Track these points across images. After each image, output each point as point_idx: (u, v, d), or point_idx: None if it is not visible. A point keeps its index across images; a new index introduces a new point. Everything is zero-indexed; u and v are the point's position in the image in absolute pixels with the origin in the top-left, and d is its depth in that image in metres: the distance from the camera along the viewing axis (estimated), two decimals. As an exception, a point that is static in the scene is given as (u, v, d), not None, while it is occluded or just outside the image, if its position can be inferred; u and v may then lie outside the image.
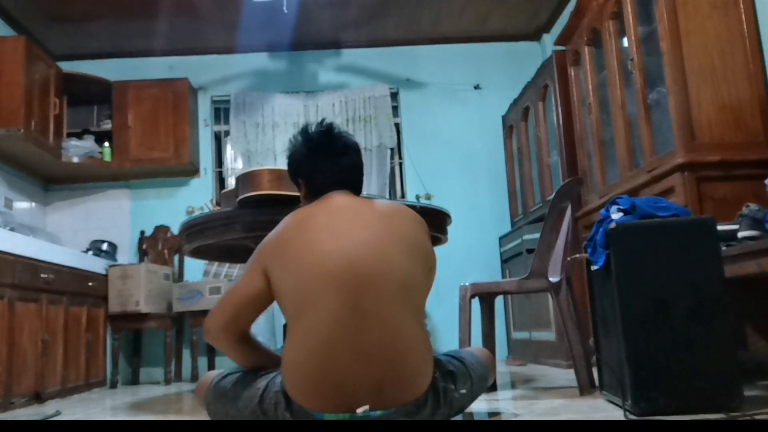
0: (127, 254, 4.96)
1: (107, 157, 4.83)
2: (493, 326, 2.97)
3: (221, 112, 5.34)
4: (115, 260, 4.77)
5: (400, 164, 5.31)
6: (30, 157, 4.42)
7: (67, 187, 5.04)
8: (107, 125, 4.92)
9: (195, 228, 2.78)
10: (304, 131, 1.71)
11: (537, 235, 2.92)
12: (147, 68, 5.15)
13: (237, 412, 1.61)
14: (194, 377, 4.49)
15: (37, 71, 4.24)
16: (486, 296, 2.87)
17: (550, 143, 4.27)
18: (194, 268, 4.85)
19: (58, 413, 2.87)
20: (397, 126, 5.30)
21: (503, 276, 4.78)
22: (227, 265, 4.82)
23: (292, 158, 1.72)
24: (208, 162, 5.21)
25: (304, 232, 1.52)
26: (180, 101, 4.92)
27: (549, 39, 5.08)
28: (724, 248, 2.02)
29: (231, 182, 5.12)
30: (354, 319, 1.42)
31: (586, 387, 2.46)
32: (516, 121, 4.90)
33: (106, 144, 4.85)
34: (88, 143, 4.75)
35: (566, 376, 3.16)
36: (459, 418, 1.79)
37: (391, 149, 5.20)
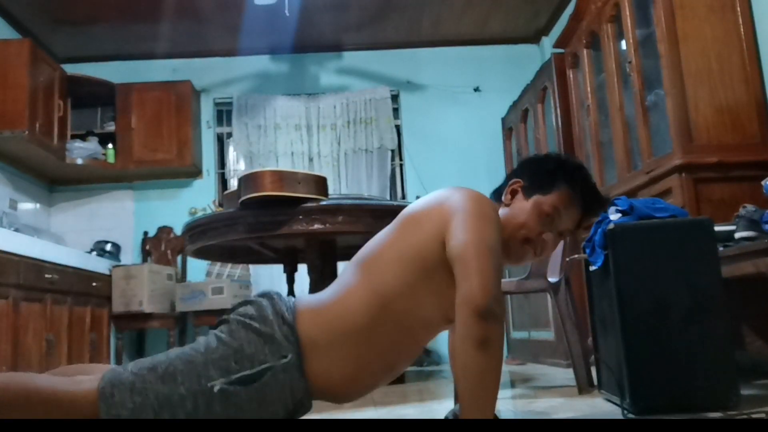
0: (130, 255, 4.99)
1: (111, 159, 4.86)
2: (493, 326, 2.98)
3: (224, 114, 5.37)
4: (119, 261, 4.80)
5: (401, 166, 5.34)
6: (34, 159, 4.45)
7: (71, 188, 5.07)
8: (111, 127, 4.95)
9: (198, 229, 2.81)
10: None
11: (536, 236, 2.93)
12: (150, 71, 5.18)
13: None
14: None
15: (41, 74, 4.27)
16: (486, 296, 2.89)
17: (549, 145, 4.29)
18: (197, 268, 4.88)
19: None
20: (398, 128, 5.33)
21: (502, 276, 4.80)
22: (229, 265, 4.84)
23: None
24: (210, 163, 5.24)
25: None
26: (183, 103, 4.95)
27: (548, 42, 5.11)
28: (721, 249, 2.04)
29: (233, 184, 5.15)
30: None
31: (584, 386, 2.48)
32: (515, 123, 4.92)
33: (110, 146, 4.89)
34: (91, 145, 4.78)
35: (565, 375, 3.18)
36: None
37: (392, 151, 5.23)
